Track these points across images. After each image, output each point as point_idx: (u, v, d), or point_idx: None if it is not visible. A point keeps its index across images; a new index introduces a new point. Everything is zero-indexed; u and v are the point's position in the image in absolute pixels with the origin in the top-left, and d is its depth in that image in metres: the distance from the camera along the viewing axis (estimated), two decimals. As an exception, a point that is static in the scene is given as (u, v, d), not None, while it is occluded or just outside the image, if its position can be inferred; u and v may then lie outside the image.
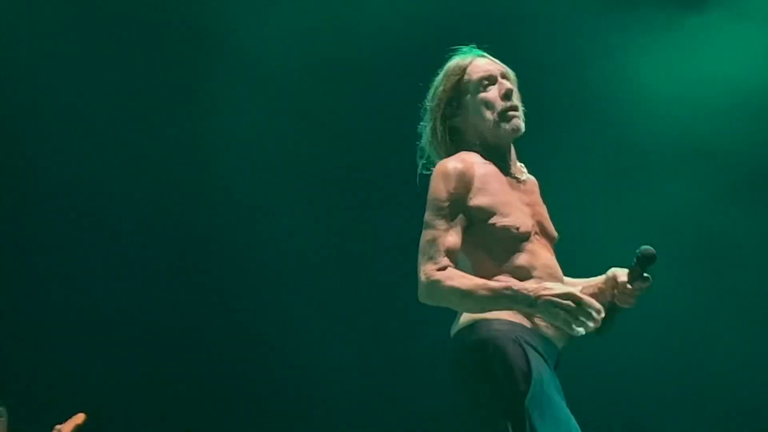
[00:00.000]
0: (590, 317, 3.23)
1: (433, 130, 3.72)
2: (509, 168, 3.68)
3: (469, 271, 3.46)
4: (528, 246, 3.54)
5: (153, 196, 6.80)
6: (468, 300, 3.37)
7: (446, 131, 3.70)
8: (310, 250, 6.82)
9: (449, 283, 3.38)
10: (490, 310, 3.39)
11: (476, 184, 3.53)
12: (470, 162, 3.57)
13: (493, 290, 3.34)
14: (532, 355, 3.34)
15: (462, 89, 3.70)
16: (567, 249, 3.78)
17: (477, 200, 3.52)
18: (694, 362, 6.56)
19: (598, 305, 3.27)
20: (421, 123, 3.79)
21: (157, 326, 6.78)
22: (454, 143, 3.70)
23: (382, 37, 6.63)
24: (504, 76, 3.74)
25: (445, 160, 3.60)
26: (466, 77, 3.70)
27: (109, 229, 6.87)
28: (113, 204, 6.79)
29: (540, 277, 3.48)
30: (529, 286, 3.35)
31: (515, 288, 3.34)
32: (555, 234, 3.71)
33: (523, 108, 3.74)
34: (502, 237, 3.51)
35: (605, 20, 6.68)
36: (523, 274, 3.49)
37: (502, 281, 3.42)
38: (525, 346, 3.34)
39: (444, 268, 3.41)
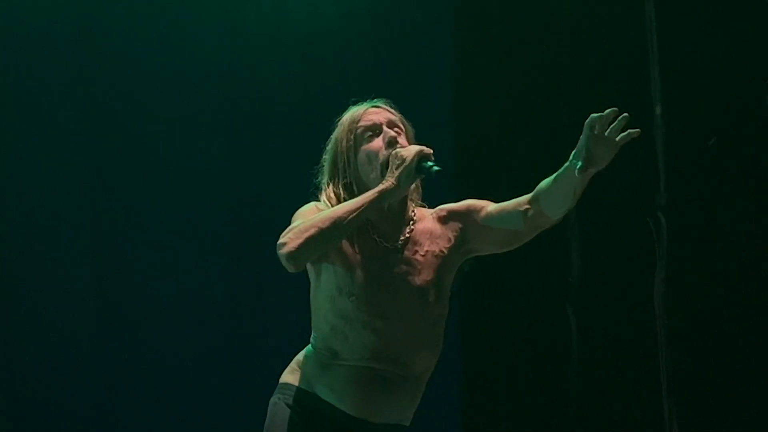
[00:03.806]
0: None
1: (331, 187, 3.46)
2: (382, 231, 3.41)
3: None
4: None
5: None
6: None
7: (344, 189, 3.44)
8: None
9: None
10: None
11: None
12: None
13: None
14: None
15: (354, 143, 3.45)
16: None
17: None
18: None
19: None
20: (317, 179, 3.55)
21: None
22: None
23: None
24: (392, 125, 3.46)
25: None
26: (357, 131, 3.45)
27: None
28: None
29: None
30: None
31: None
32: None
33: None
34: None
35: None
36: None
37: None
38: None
39: None
